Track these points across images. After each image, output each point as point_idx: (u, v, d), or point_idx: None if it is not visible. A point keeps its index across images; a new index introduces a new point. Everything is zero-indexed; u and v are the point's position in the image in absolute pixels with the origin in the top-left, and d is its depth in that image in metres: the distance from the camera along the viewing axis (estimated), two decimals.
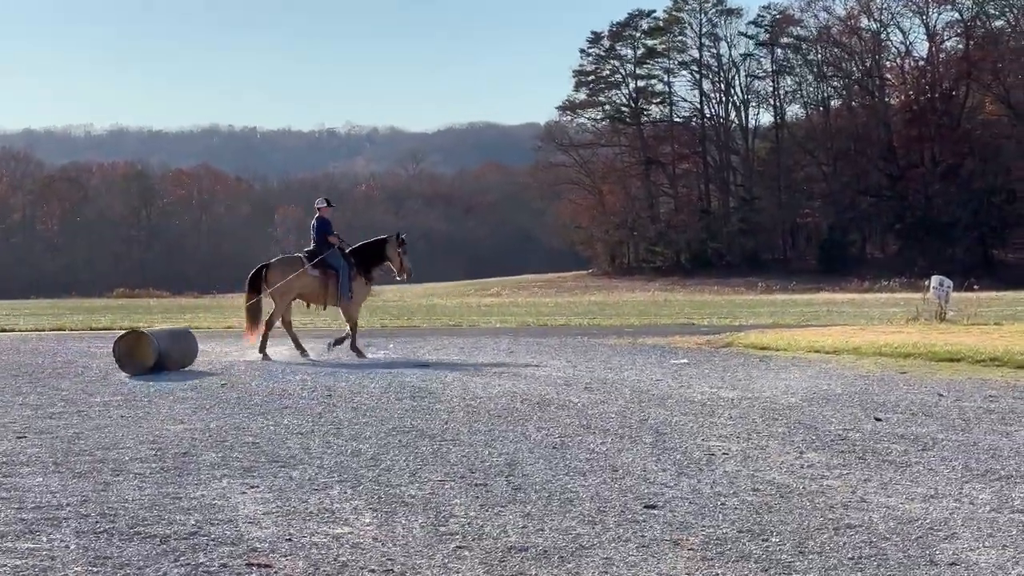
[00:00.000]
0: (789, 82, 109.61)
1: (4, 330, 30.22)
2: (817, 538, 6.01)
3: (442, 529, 6.25)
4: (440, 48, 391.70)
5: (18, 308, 51.16)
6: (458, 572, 5.46)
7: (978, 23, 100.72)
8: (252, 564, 5.60)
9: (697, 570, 5.46)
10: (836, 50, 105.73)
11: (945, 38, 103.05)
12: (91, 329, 31.05)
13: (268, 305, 19.93)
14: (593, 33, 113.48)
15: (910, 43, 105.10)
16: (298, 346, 19.65)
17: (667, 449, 8.86)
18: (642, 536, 6.07)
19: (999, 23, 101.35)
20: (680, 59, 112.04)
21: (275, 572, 5.47)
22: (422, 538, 6.06)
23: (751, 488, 7.28)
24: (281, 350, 19.67)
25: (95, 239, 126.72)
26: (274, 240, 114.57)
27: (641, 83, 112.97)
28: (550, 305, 51.99)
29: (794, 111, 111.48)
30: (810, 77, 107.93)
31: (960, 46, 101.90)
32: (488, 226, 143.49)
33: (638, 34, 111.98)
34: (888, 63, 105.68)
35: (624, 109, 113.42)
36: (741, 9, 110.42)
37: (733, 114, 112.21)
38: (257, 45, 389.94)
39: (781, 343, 20.38)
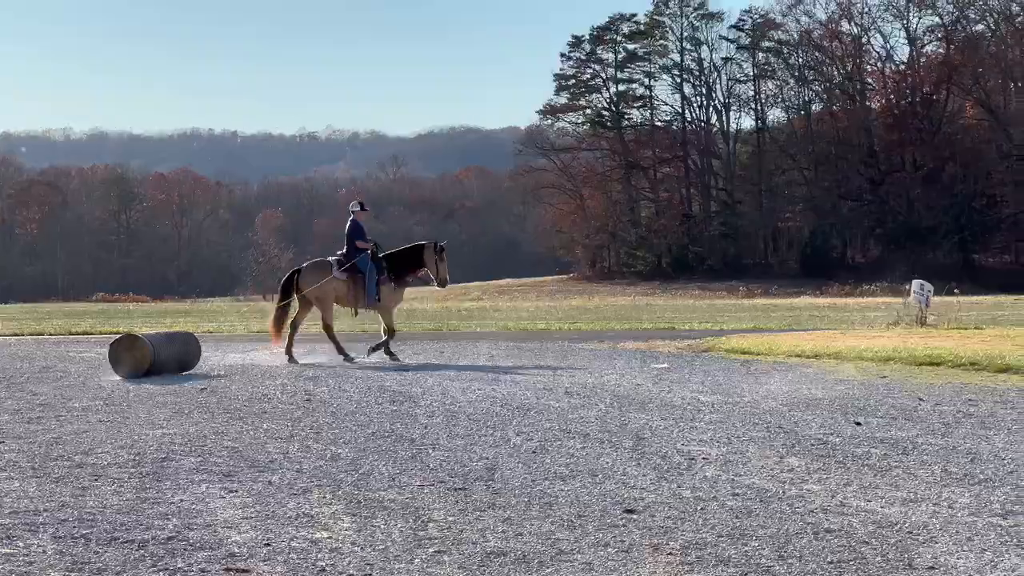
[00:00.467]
0: (770, 86, 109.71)
1: None
2: (797, 543, 6.01)
3: (421, 534, 6.24)
4: (421, 52, 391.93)
5: None
6: None
7: (958, 28, 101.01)
8: (231, 569, 5.58)
9: (677, 575, 5.45)
10: (817, 54, 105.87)
11: (926, 42, 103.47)
12: (70, 334, 30.93)
13: (294, 310, 19.98)
14: (574, 37, 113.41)
15: (891, 47, 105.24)
16: (340, 350, 19.64)
17: (647, 454, 8.85)
18: (621, 541, 6.07)
19: (979, 27, 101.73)
20: (661, 63, 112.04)
21: None
22: (401, 543, 6.05)
23: (731, 493, 7.29)
24: (261, 355, 19.60)
25: (74, 243, 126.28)
26: (254, 245, 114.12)
27: (622, 87, 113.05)
28: (531, 309, 51.96)
29: (775, 115, 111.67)
30: (791, 81, 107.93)
31: (941, 51, 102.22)
32: (469, 230, 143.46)
33: (619, 38, 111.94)
34: (869, 67, 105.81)
35: (605, 113, 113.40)
36: (722, 13, 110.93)
37: (714, 118, 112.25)
38: (238, 49, 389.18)
39: (762, 348, 20.42)
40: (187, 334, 19.00)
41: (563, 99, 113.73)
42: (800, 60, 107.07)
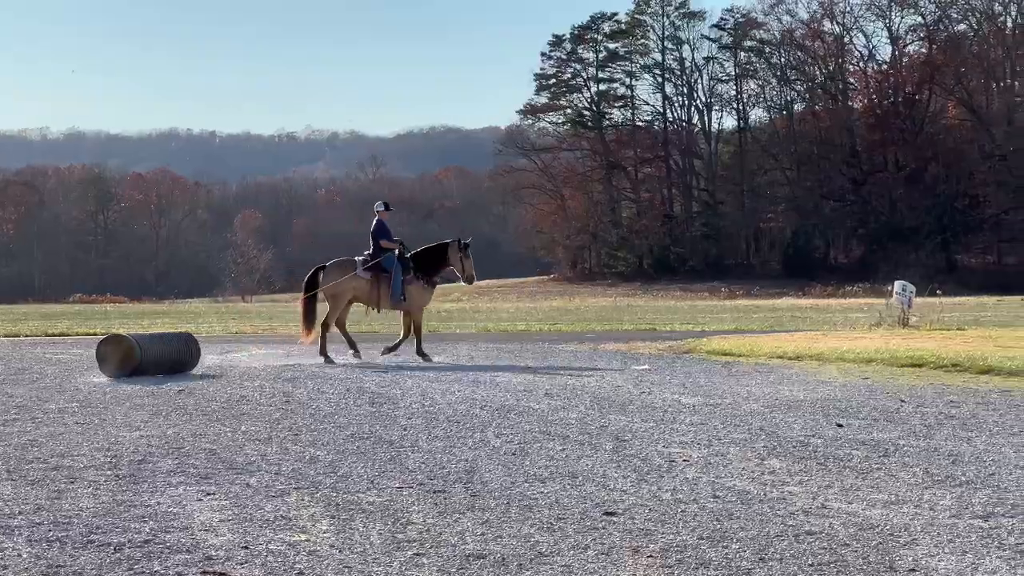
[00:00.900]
0: (752, 86, 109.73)
1: None
2: (777, 545, 5.99)
3: (400, 536, 6.21)
4: (401, 51, 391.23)
5: None
6: None
7: (941, 27, 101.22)
8: (208, 572, 5.54)
9: None
10: (799, 54, 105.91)
11: (908, 42, 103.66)
12: (47, 335, 30.79)
13: (324, 308, 20.03)
14: (554, 36, 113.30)
15: (873, 47, 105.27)
16: (352, 346, 19.68)
17: (627, 455, 8.83)
18: (601, 543, 6.04)
19: (961, 27, 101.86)
20: (642, 62, 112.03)
21: None
22: (380, 545, 6.02)
23: (711, 495, 7.27)
24: (239, 356, 19.52)
25: (51, 244, 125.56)
26: (233, 245, 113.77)
27: (603, 86, 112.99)
28: (511, 311, 51.94)
29: (757, 115, 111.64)
30: (773, 81, 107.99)
31: (923, 50, 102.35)
32: (449, 231, 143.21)
33: (600, 37, 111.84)
34: (851, 67, 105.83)
35: (586, 113, 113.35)
36: (704, 12, 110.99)
37: (696, 118, 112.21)
38: (217, 49, 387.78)
39: (743, 349, 20.42)
40: (185, 335, 18.89)
41: (543, 99, 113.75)
42: (782, 60, 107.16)
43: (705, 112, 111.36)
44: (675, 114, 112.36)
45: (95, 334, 30.96)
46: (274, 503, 7.09)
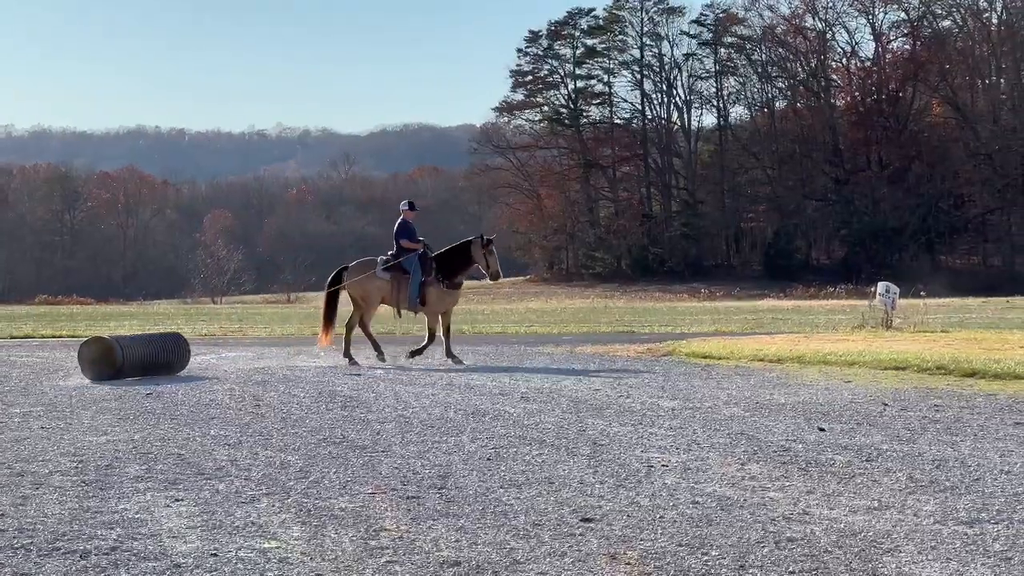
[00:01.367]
0: (733, 83, 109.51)
1: None
2: (758, 552, 5.92)
3: (372, 543, 6.13)
4: (374, 48, 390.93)
5: None
6: None
7: (925, 23, 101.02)
8: None
9: None
10: (781, 50, 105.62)
11: (891, 38, 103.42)
12: (12, 337, 30.57)
13: (348, 312, 19.91)
14: (531, 32, 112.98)
15: (856, 43, 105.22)
16: (377, 349, 19.54)
17: (605, 460, 8.75)
18: (578, 550, 5.97)
19: (946, 23, 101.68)
20: (621, 59, 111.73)
21: None
22: (352, 552, 5.95)
23: (691, 501, 7.19)
24: (208, 359, 19.35)
25: (15, 244, 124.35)
26: (202, 246, 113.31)
27: (580, 83, 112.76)
28: (486, 312, 51.84)
29: (738, 112, 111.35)
30: (754, 78, 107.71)
31: (907, 47, 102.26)
32: (423, 231, 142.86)
33: (577, 33, 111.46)
34: (834, 63, 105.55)
35: (563, 110, 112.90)
36: (683, 8, 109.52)
37: (675, 116, 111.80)
38: (185, 44, 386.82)
39: (724, 351, 20.32)
40: (174, 335, 18.71)
41: (520, 96, 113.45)
42: (763, 56, 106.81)
43: (685, 110, 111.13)
44: (654, 112, 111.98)
45: (61, 336, 30.78)
46: (244, 509, 7.00)
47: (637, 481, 7.89)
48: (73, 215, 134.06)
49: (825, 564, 5.67)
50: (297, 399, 13.47)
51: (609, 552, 5.92)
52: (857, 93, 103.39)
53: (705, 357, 19.96)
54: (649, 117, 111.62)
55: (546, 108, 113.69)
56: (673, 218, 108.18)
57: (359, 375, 16.86)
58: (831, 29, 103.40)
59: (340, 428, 10.74)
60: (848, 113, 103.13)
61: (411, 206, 20.23)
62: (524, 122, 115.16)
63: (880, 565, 5.65)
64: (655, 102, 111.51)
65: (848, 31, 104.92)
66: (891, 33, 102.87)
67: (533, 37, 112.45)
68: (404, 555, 5.88)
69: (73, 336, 30.58)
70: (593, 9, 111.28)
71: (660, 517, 6.71)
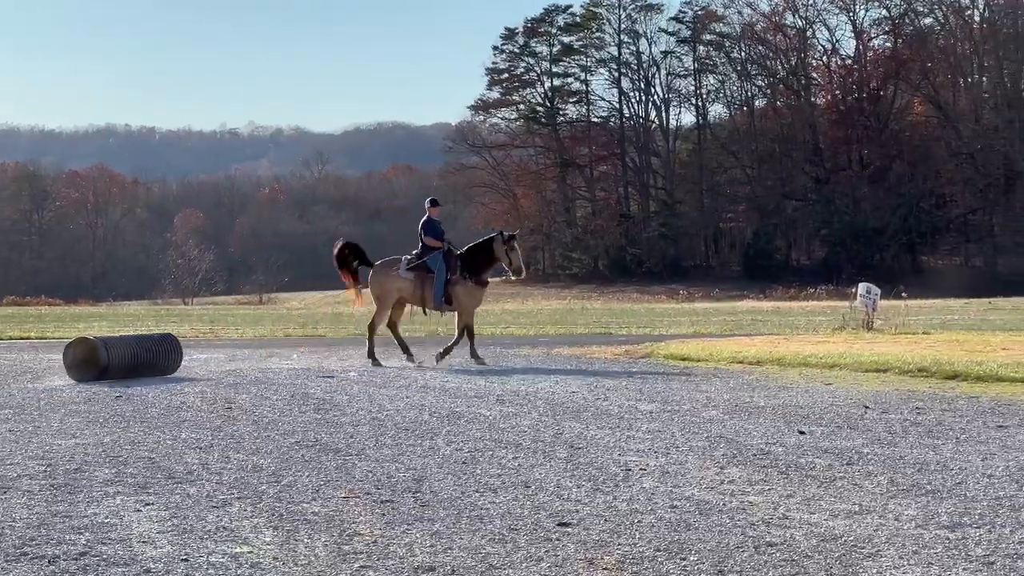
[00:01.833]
0: (712, 81, 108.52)
1: None
2: (737, 556, 5.87)
3: (346, 548, 6.06)
4: (347, 45, 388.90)
5: None
6: None
7: (906, 21, 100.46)
8: None
9: None
10: (760, 48, 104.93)
11: (872, 36, 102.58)
12: None
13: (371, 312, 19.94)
14: (507, 29, 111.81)
15: (836, 41, 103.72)
16: (404, 350, 19.48)
17: (582, 464, 8.70)
18: (555, 555, 5.91)
19: (928, 21, 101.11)
20: (598, 56, 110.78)
21: None
22: (325, 557, 5.88)
23: (669, 505, 7.14)
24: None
25: None
26: (173, 245, 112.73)
27: (557, 81, 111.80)
28: None
29: (717, 111, 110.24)
30: (733, 76, 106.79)
31: (888, 45, 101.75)
32: (397, 231, 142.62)
33: (554, 30, 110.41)
34: (814, 62, 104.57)
35: (539, 109, 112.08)
36: (662, 5, 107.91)
37: (653, 114, 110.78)
38: (155, 41, 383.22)
39: (702, 353, 20.25)
40: (164, 336, 18.55)
41: (495, 94, 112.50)
42: (743, 54, 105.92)
43: (663, 108, 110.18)
44: (632, 110, 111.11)
45: (29, 338, 30.53)
46: (215, 513, 6.92)
47: (615, 485, 7.83)
48: (41, 215, 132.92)
49: (805, 569, 5.63)
50: (270, 402, 13.38)
51: (586, 557, 5.87)
52: (838, 91, 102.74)
53: (684, 359, 19.92)
54: (627, 116, 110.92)
55: (522, 106, 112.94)
56: (651, 218, 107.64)
57: (332, 377, 16.76)
58: (811, 27, 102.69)
59: (313, 431, 10.66)
60: (828, 112, 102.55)
61: (434, 203, 20.22)
62: (500, 120, 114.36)
63: (861, 570, 5.61)
64: (633, 100, 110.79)
65: (829, 28, 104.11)
66: (872, 31, 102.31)
67: (509, 34, 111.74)
68: (378, 560, 5.82)
69: (41, 338, 30.35)
70: (570, 6, 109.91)
71: (638, 521, 6.66)
